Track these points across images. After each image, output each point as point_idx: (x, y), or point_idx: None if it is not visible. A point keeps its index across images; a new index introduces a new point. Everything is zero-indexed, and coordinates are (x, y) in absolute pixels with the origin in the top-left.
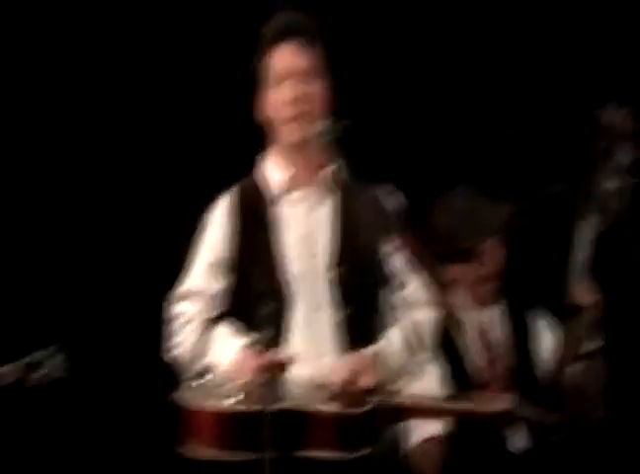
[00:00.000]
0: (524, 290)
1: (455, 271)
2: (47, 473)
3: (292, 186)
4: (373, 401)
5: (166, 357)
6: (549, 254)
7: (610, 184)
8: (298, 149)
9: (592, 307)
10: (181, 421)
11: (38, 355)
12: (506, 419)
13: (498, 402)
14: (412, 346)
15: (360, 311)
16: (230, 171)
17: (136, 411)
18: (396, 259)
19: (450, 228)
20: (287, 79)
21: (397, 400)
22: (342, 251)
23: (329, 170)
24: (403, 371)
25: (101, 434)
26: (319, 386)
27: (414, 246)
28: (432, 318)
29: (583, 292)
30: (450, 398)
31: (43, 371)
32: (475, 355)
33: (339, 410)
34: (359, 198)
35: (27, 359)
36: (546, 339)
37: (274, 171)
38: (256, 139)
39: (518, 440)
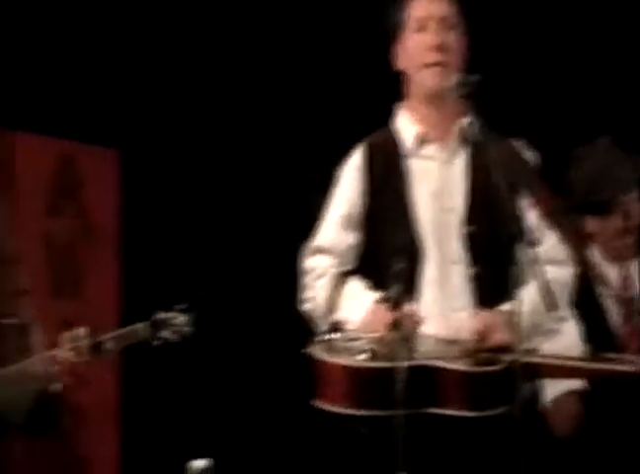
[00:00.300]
0: None
1: (593, 224)
2: (179, 430)
3: (426, 139)
4: (507, 359)
5: (300, 310)
6: None
7: None
8: (433, 100)
9: None
10: (314, 374)
11: (167, 314)
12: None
13: (633, 363)
14: (547, 303)
15: (494, 267)
16: (365, 124)
17: (270, 364)
18: (531, 214)
19: (589, 181)
20: (430, 25)
21: (531, 358)
22: (476, 206)
23: (463, 123)
24: (538, 329)
25: (234, 387)
26: (451, 343)
27: (549, 202)
28: (568, 275)
29: None
30: (586, 357)
31: (173, 329)
32: (614, 310)
33: (471, 368)
34: (493, 153)
35: (156, 317)
36: None
37: (407, 124)
38: (391, 91)
39: None
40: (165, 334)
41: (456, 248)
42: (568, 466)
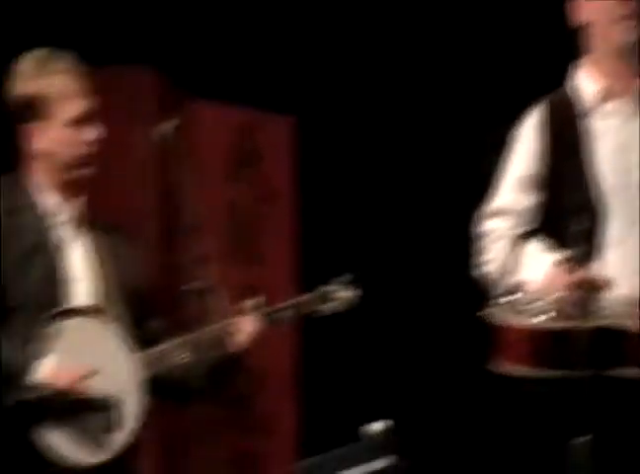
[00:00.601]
0: None
1: None
2: (356, 394)
3: (607, 97)
4: None
5: (475, 274)
6: None
7: None
8: (617, 55)
9: None
10: (492, 338)
11: (334, 286)
12: None
13: None
14: None
15: None
16: (540, 83)
17: (445, 328)
18: None
19: None
20: None
21: None
22: None
23: None
24: None
25: (409, 351)
26: (634, 303)
27: None
28: None
29: None
30: None
31: (340, 301)
32: None
33: None
34: None
35: (325, 289)
36: None
37: (587, 82)
38: (566, 51)
39: None
40: (334, 305)
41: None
42: None
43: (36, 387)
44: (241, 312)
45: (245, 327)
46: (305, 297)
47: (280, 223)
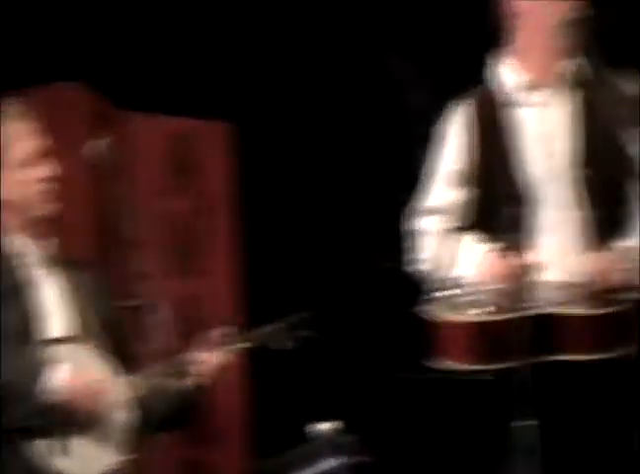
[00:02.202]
0: None
1: None
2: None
3: (531, 86)
4: (628, 298)
5: (410, 271)
6: None
7: None
8: (540, 46)
9: None
10: (429, 334)
11: (290, 320)
12: None
13: None
14: None
15: (608, 209)
16: (466, 77)
17: (382, 326)
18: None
19: None
20: None
21: None
22: (585, 149)
23: (569, 68)
24: None
25: (352, 352)
26: (570, 287)
27: None
28: None
29: None
30: None
31: (292, 339)
32: None
33: (594, 310)
34: (599, 94)
35: (281, 324)
36: None
37: (510, 72)
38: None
39: None
40: (288, 343)
41: (567, 192)
42: None
43: (51, 393)
44: (210, 344)
45: (212, 359)
46: (268, 330)
47: (221, 234)
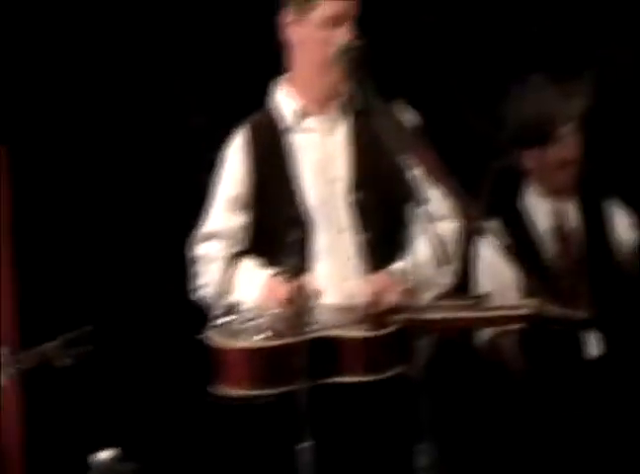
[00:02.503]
0: (601, 180)
1: (531, 158)
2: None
3: (307, 113)
4: (401, 319)
5: (193, 297)
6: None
7: None
8: (317, 74)
9: None
10: (212, 360)
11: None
12: (535, 321)
13: (522, 306)
14: (437, 258)
15: (384, 232)
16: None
17: (167, 352)
18: (416, 174)
19: (526, 115)
20: None
21: (425, 315)
22: (361, 173)
23: (344, 96)
24: (430, 285)
25: (131, 377)
26: (347, 311)
27: (432, 160)
28: (454, 229)
29: None
30: (475, 305)
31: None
32: (550, 245)
33: (367, 333)
34: (375, 119)
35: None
36: (622, 228)
37: (287, 99)
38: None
39: (592, 347)
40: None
41: (345, 217)
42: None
43: None
44: None
45: None
46: (49, 347)
47: None
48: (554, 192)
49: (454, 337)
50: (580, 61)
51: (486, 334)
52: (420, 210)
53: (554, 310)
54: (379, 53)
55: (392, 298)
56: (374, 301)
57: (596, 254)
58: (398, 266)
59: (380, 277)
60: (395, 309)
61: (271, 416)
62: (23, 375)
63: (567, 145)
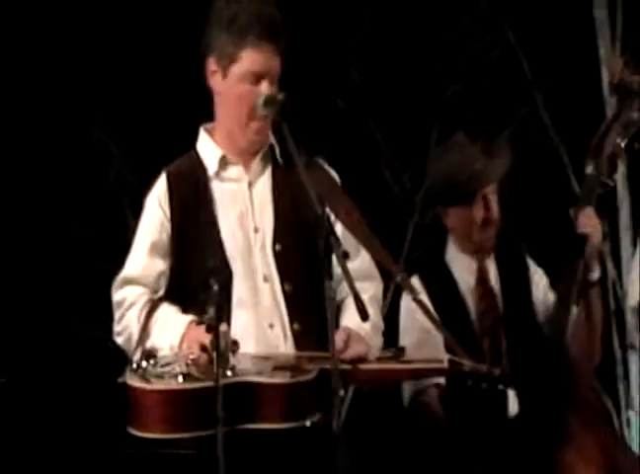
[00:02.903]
0: (520, 238)
1: (454, 217)
2: None
3: (229, 162)
4: (317, 368)
5: (115, 342)
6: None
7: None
8: (238, 125)
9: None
10: (130, 402)
11: None
12: (450, 375)
13: (437, 360)
14: (361, 315)
15: (305, 283)
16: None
17: (87, 395)
18: (338, 229)
19: (450, 174)
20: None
21: (343, 366)
22: (282, 225)
23: (266, 147)
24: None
25: (51, 421)
26: (266, 359)
27: (353, 215)
28: (376, 286)
29: (590, 221)
30: (394, 357)
31: None
32: (475, 307)
33: (286, 379)
34: (298, 173)
35: None
36: (542, 287)
37: (210, 147)
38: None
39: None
40: None
41: (267, 267)
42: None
43: None
44: None
45: None
46: None
47: None
48: (476, 250)
49: (373, 388)
50: (498, 120)
51: (408, 389)
52: (342, 265)
53: (468, 365)
54: (303, 108)
55: (358, 349)
56: (342, 350)
57: (514, 312)
58: (350, 325)
59: (344, 331)
60: (311, 359)
61: (190, 462)
62: None
63: (489, 204)
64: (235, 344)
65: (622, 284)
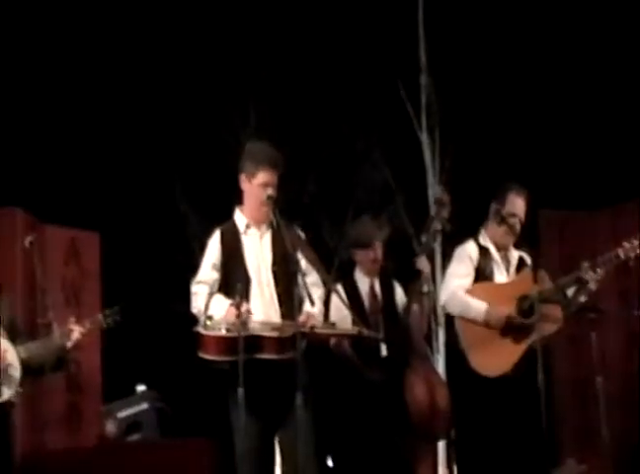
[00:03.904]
0: (391, 270)
1: (359, 255)
2: None
3: (250, 226)
4: (291, 331)
5: (192, 311)
6: None
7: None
8: (255, 207)
9: (425, 268)
10: (199, 340)
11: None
12: (357, 337)
13: (351, 329)
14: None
15: (287, 289)
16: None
17: (177, 337)
18: (303, 260)
19: (358, 233)
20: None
21: (303, 329)
22: (276, 258)
23: (268, 219)
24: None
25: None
26: (267, 324)
27: (310, 252)
28: (321, 289)
29: (423, 263)
30: (329, 326)
31: None
32: (368, 303)
33: (277, 335)
34: (282, 230)
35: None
36: (400, 295)
37: (241, 217)
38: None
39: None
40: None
41: (268, 279)
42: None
43: None
44: (74, 325)
45: (75, 335)
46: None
47: None
48: (369, 273)
49: (318, 342)
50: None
51: (333, 341)
52: (303, 279)
53: (365, 332)
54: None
55: (313, 322)
56: (304, 322)
57: (387, 307)
58: (315, 309)
59: (305, 313)
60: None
61: (226, 373)
62: None
63: (377, 251)
64: (249, 312)
65: (437, 293)
